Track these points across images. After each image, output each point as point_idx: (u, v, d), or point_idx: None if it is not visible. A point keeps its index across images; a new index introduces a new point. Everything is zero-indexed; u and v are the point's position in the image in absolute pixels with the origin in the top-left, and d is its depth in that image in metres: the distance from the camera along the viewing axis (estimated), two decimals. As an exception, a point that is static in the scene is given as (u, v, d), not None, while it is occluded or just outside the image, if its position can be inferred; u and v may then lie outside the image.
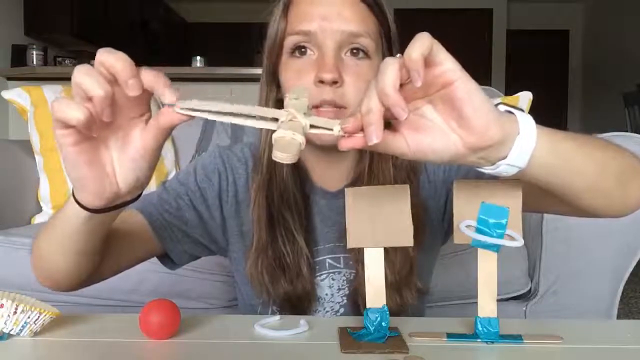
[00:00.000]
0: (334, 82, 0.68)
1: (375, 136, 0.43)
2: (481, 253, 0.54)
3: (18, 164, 1.67)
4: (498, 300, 0.55)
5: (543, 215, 1.18)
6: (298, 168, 0.79)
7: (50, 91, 1.65)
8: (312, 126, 0.47)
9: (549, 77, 6.55)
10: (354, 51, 0.71)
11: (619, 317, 1.34)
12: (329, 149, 0.74)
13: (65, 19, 3.79)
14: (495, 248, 0.54)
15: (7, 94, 1.67)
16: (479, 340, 0.54)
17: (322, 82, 0.68)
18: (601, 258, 1.19)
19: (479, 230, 0.54)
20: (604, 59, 5.98)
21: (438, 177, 0.80)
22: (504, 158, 0.46)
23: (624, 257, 1.19)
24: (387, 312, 0.56)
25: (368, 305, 0.56)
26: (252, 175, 0.80)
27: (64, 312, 0.60)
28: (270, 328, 0.58)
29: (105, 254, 0.69)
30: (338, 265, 0.79)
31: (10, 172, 1.64)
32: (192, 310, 1.29)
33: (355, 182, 0.76)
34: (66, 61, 3.44)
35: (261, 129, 0.67)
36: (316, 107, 0.69)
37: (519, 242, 0.53)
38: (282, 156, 0.43)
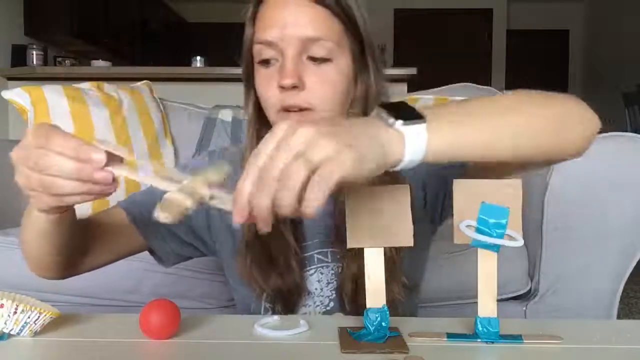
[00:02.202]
0: (295, 87, 0.71)
1: (266, 227, 0.45)
2: (481, 253, 0.54)
3: (18, 164, 1.67)
4: (498, 300, 0.55)
5: (543, 215, 1.18)
6: None
7: (50, 91, 1.65)
8: (213, 198, 0.50)
9: (548, 77, 6.54)
10: (315, 55, 0.73)
11: (619, 317, 1.34)
12: None
13: (65, 19, 3.79)
14: (495, 248, 0.54)
15: (7, 94, 1.66)
16: (479, 340, 0.54)
17: (283, 88, 0.71)
18: (601, 258, 1.19)
19: (479, 230, 0.54)
20: (604, 59, 5.98)
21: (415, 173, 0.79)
22: (400, 162, 0.49)
23: (624, 257, 1.19)
24: (387, 312, 0.56)
25: (368, 305, 0.56)
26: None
27: (64, 312, 0.60)
28: (270, 328, 0.58)
29: (89, 247, 0.76)
30: (326, 259, 0.79)
31: (10, 172, 1.63)
32: (192, 310, 1.29)
33: None
34: (66, 61, 3.43)
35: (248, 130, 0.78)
36: (285, 110, 0.73)
37: (519, 242, 0.53)
38: (161, 215, 0.48)
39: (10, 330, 0.56)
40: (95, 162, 0.51)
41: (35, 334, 0.57)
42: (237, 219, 0.45)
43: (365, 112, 0.77)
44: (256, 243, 0.77)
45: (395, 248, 0.73)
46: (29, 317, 0.56)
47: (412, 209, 0.77)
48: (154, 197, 0.82)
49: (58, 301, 1.33)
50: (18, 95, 1.64)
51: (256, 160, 0.44)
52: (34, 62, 3.18)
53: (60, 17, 3.71)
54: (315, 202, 0.42)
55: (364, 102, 0.77)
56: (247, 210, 0.44)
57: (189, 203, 0.48)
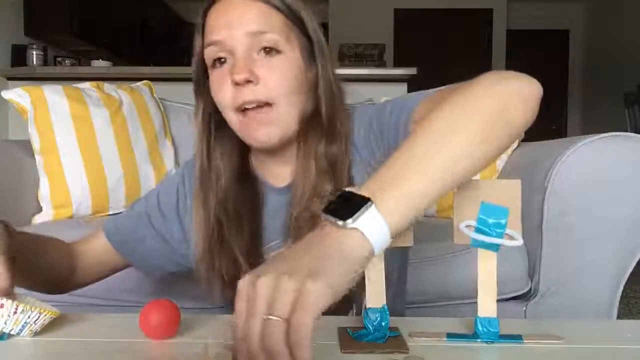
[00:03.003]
0: (248, 82, 0.71)
1: None
2: (481, 253, 0.54)
3: (18, 164, 1.67)
4: (498, 300, 0.55)
5: (543, 215, 1.18)
6: (246, 169, 0.82)
7: (50, 91, 1.64)
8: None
9: (548, 77, 6.49)
10: (266, 50, 0.73)
11: (619, 317, 1.34)
12: (272, 150, 0.77)
13: (65, 19, 3.78)
14: (495, 248, 0.54)
15: (7, 94, 1.66)
16: (479, 340, 0.55)
17: (237, 84, 0.71)
18: (601, 258, 1.19)
19: (478, 230, 0.54)
20: (604, 59, 5.98)
21: (369, 153, 0.78)
22: (372, 252, 0.46)
23: (624, 257, 1.19)
24: (387, 312, 0.56)
25: (368, 305, 0.56)
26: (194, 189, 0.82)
27: (64, 312, 0.60)
28: (270, 328, 0.58)
29: (72, 270, 0.81)
30: None
31: (10, 172, 1.63)
32: (192, 310, 1.29)
33: (293, 178, 0.78)
34: (66, 61, 3.43)
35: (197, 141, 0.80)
36: (241, 110, 0.73)
37: (519, 242, 0.53)
38: None
39: (10, 331, 0.56)
40: None
41: (35, 334, 0.57)
42: None
43: (316, 108, 0.77)
44: (208, 259, 0.77)
45: None
46: (29, 317, 0.56)
47: None
48: (127, 219, 0.87)
49: (58, 301, 1.33)
50: (18, 95, 1.64)
51: (236, 336, 0.42)
52: (34, 62, 3.17)
53: (60, 17, 3.71)
54: (304, 344, 0.40)
55: (314, 97, 0.77)
56: None
57: None
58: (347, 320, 0.60)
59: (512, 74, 0.60)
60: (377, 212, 0.47)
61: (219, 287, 0.77)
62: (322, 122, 0.76)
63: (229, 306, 0.80)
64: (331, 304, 0.42)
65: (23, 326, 0.56)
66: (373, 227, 0.46)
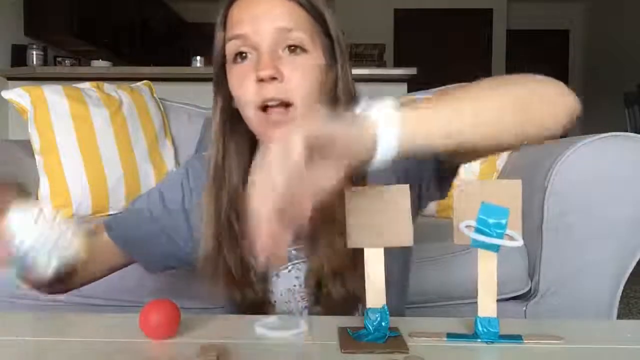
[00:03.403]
0: (273, 79, 0.70)
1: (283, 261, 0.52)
2: (481, 253, 0.54)
3: (18, 164, 1.67)
4: (498, 300, 0.55)
5: (543, 215, 1.18)
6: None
7: (50, 91, 1.64)
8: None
9: (549, 77, 6.54)
10: (291, 48, 0.73)
11: (619, 317, 1.34)
12: None
13: (65, 19, 3.78)
14: (495, 248, 0.54)
15: (7, 94, 1.66)
16: (479, 340, 0.55)
17: (262, 80, 0.70)
18: (601, 258, 1.19)
19: (478, 231, 0.53)
20: (604, 59, 5.98)
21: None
22: (372, 158, 0.50)
23: (624, 257, 1.19)
24: (387, 312, 0.56)
25: (368, 305, 0.56)
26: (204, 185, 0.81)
27: (64, 312, 0.60)
28: (270, 328, 0.58)
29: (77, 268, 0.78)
30: (301, 255, 0.79)
31: (10, 172, 1.63)
32: (192, 310, 1.29)
33: None
34: (66, 61, 3.43)
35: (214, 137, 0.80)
36: (262, 108, 0.72)
37: (519, 242, 0.53)
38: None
39: (39, 249, 0.55)
40: None
41: (56, 270, 0.56)
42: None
43: (336, 108, 0.76)
44: (216, 257, 0.77)
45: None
46: (59, 239, 0.55)
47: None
48: (130, 215, 0.85)
49: (58, 301, 1.33)
50: (18, 95, 1.64)
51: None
52: (34, 62, 3.17)
53: (60, 17, 3.71)
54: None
55: (331, 98, 0.77)
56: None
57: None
58: (347, 320, 0.60)
59: (560, 85, 0.65)
60: (394, 113, 0.50)
61: (223, 286, 0.77)
62: None
63: (231, 305, 0.80)
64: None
65: (51, 250, 0.55)
66: (384, 121, 0.50)
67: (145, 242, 0.84)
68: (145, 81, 1.92)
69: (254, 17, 0.72)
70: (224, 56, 0.76)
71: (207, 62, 3.10)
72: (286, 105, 0.72)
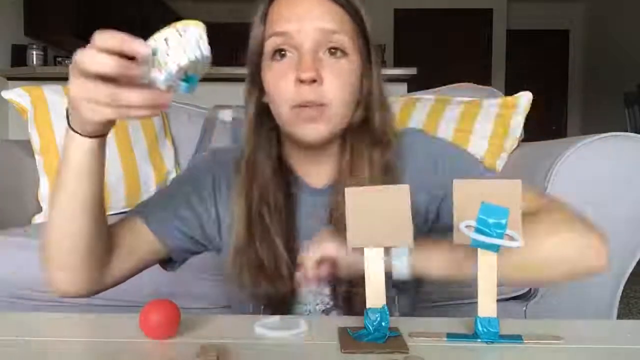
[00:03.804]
0: (313, 81, 0.70)
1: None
2: (481, 253, 0.54)
3: (18, 164, 1.67)
4: (498, 300, 0.55)
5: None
6: (282, 166, 0.81)
7: (50, 91, 1.65)
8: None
9: (549, 77, 6.55)
10: (332, 50, 0.72)
11: (619, 317, 1.34)
12: (312, 148, 0.76)
13: (66, 19, 3.78)
14: (495, 248, 0.54)
15: (7, 94, 1.66)
16: (479, 340, 0.55)
17: (301, 81, 0.70)
18: (601, 258, 1.19)
19: (478, 230, 0.53)
20: (604, 59, 5.98)
21: (422, 182, 0.77)
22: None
23: (624, 257, 1.19)
24: (387, 312, 0.56)
25: (368, 305, 0.56)
26: (233, 176, 0.81)
27: (64, 312, 0.60)
28: (270, 328, 0.58)
29: (113, 253, 0.74)
30: None
31: (10, 172, 1.64)
32: (192, 310, 1.29)
33: (338, 179, 0.77)
34: (66, 61, 3.43)
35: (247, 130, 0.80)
36: (299, 106, 0.72)
37: (519, 242, 0.53)
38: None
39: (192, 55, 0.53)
40: (141, 55, 0.51)
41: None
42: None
43: (369, 114, 0.77)
44: (247, 250, 0.76)
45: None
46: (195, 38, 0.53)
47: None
48: (165, 200, 0.83)
49: (58, 301, 1.33)
50: (18, 95, 1.65)
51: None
52: (34, 62, 3.18)
53: (60, 17, 3.71)
54: None
55: (367, 103, 0.77)
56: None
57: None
58: (347, 320, 0.60)
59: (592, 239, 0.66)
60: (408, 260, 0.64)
61: (250, 279, 0.75)
62: (374, 125, 0.77)
63: (253, 300, 0.80)
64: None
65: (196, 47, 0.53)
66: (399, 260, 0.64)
67: (178, 227, 0.80)
68: (145, 81, 1.91)
69: (298, 16, 0.72)
70: (261, 52, 0.75)
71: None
72: (320, 104, 0.72)
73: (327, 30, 0.71)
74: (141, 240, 0.78)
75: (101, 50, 0.51)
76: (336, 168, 0.79)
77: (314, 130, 0.73)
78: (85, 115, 0.55)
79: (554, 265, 0.64)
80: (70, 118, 0.60)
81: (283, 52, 0.73)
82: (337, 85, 0.72)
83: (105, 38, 0.51)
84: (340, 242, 0.64)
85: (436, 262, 0.65)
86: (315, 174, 0.81)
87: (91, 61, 0.52)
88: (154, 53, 0.52)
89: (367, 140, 0.76)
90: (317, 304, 0.79)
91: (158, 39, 0.53)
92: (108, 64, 0.51)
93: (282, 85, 0.72)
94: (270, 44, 0.74)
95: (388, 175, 0.76)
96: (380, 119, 0.77)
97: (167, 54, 0.52)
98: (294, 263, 0.75)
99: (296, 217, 0.80)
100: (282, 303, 0.77)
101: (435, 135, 1.01)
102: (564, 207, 0.70)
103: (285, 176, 0.80)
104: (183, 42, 0.53)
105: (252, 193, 0.77)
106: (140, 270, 0.80)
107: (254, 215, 0.76)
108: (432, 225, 0.80)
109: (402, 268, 0.64)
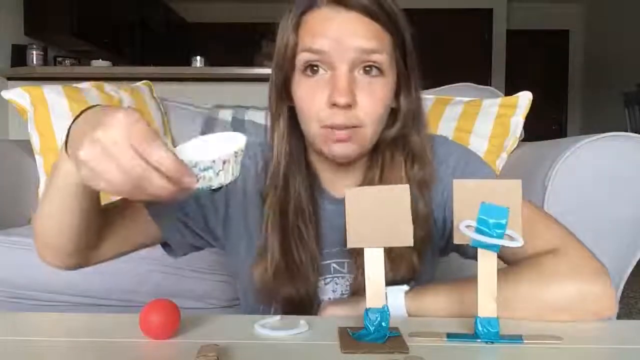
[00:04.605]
0: (348, 106, 0.68)
1: None
2: (481, 253, 0.54)
3: (18, 164, 1.67)
4: (498, 300, 0.55)
5: (543, 215, 1.18)
6: (308, 173, 0.79)
7: (50, 91, 1.65)
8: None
9: (549, 77, 6.55)
10: (367, 68, 0.70)
11: (619, 317, 1.34)
12: (341, 163, 0.76)
13: (65, 19, 3.78)
14: (495, 248, 0.54)
15: (7, 94, 1.66)
16: (479, 340, 0.55)
17: (335, 104, 0.68)
18: (601, 258, 1.19)
19: (478, 230, 0.53)
20: (604, 59, 5.98)
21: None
22: None
23: (624, 257, 1.19)
24: (387, 312, 0.56)
25: (368, 305, 0.56)
26: (266, 187, 0.79)
27: (64, 312, 0.60)
28: (270, 328, 0.58)
29: (106, 233, 0.73)
30: (342, 270, 0.79)
31: (10, 172, 1.64)
32: (192, 310, 1.29)
33: None
34: (66, 61, 3.43)
35: (272, 137, 0.78)
36: (329, 127, 0.70)
37: (519, 242, 0.53)
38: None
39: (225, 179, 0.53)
40: (186, 185, 0.49)
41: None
42: None
43: (405, 130, 0.75)
44: (277, 247, 0.75)
45: (419, 259, 0.74)
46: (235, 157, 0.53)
47: (434, 224, 0.79)
48: None
49: (59, 301, 1.33)
50: (18, 95, 1.65)
51: None
52: (34, 62, 3.17)
53: (60, 17, 3.71)
54: None
55: (406, 119, 0.75)
56: None
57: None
58: (347, 321, 0.60)
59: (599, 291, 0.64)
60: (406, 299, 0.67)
61: (274, 281, 0.75)
62: (413, 142, 0.76)
63: (276, 305, 0.79)
64: None
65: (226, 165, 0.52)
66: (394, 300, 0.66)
67: (180, 219, 0.79)
68: (145, 81, 1.92)
69: (337, 36, 0.69)
70: (292, 63, 0.72)
71: (207, 62, 3.10)
72: (353, 127, 0.70)
73: (364, 50, 0.69)
74: (139, 225, 0.77)
75: (157, 170, 0.47)
76: (362, 179, 0.78)
77: (344, 149, 0.71)
78: (97, 178, 0.51)
79: (560, 315, 0.62)
80: (68, 144, 0.56)
81: (315, 68, 0.70)
82: (370, 105, 0.70)
83: (167, 164, 0.47)
84: (347, 306, 0.70)
85: (433, 305, 0.66)
86: (340, 184, 0.80)
87: (150, 184, 0.48)
88: (199, 165, 0.51)
89: (403, 156, 0.76)
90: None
91: (214, 155, 0.52)
92: (167, 189, 0.48)
93: (314, 104, 0.70)
94: (303, 57, 0.71)
95: (422, 190, 0.75)
96: (420, 135, 0.76)
97: (217, 174, 0.52)
98: (317, 271, 0.77)
99: (320, 225, 0.79)
100: (298, 309, 0.75)
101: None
102: (564, 239, 0.71)
103: (312, 184, 0.80)
104: (234, 165, 0.53)
105: (287, 205, 0.76)
106: (133, 251, 0.79)
107: (291, 225, 0.76)
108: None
109: (398, 308, 0.66)
